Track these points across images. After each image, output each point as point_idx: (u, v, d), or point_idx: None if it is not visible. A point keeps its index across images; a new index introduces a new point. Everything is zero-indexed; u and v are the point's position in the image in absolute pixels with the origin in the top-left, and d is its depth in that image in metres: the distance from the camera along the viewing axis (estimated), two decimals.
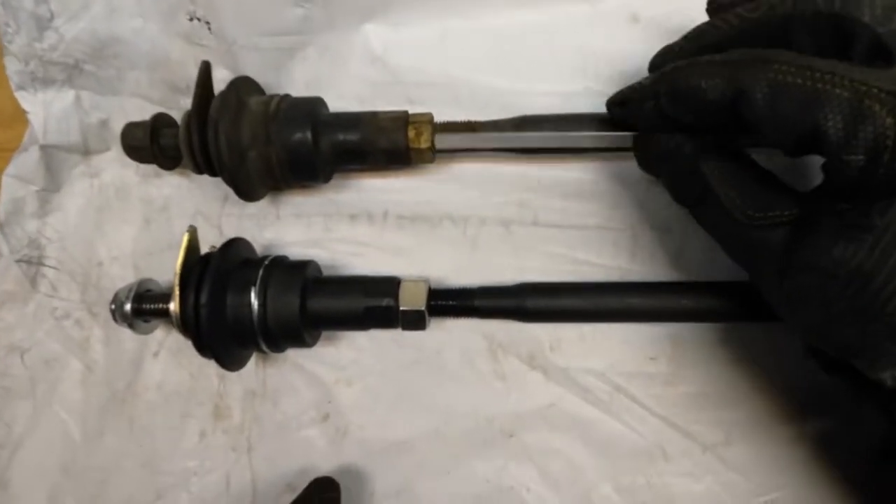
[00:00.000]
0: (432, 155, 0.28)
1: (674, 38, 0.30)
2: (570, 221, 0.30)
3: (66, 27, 0.26)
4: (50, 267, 0.31)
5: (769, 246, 0.20)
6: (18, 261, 0.30)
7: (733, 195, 0.21)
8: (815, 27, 0.20)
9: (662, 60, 0.25)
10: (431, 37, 0.30)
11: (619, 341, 0.29)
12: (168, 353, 0.30)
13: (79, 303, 0.31)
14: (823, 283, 0.19)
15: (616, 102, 0.25)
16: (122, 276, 0.31)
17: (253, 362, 0.30)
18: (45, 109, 0.28)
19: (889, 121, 0.17)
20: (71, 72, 0.28)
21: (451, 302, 0.27)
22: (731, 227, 0.21)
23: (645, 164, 0.26)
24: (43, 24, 0.26)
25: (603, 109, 0.28)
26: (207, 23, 0.27)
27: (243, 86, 0.27)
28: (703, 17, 0.31)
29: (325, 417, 0.29)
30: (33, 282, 0.30)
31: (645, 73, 0.30)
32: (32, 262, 0.30)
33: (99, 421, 0.30)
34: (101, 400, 0.30)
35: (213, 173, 0.28)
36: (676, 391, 0.29)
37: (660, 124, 0.23)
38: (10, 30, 0.26)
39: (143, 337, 0.30)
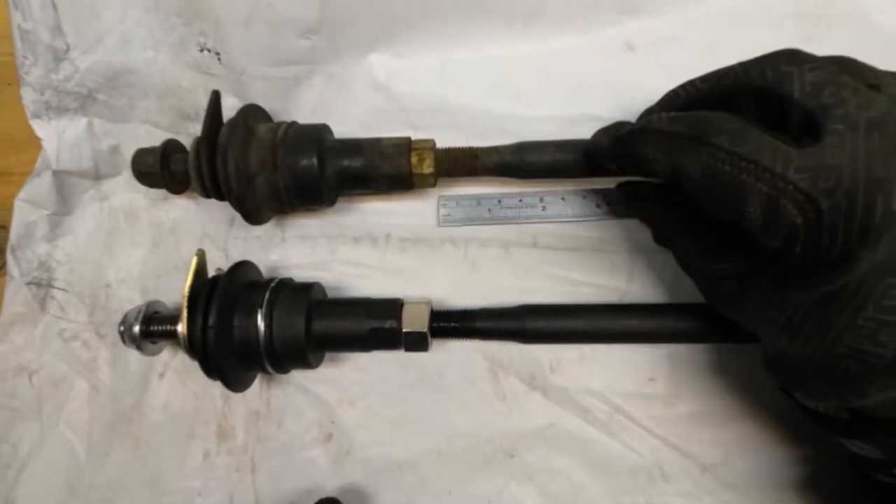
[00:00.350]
0: (434, 180, 0.29)
1: (667, 66, 0.31)
2: (568, 243, 0.31)
3: (80, 59, 0.27)
4: (59, 289, 0.31)
5: (724, 290, 0.23)
6: (29, 283, 0.31)
7: (692, 247, 0.24)
8: (757, 99, 0.21)
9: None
10: (433, 66, 0.31)
11: (619, 362, 0.30)
12: (174, 374, 0.31)
13: (86, 324, 0.31)
14: (763, 330, 0.22)
15: (587, 154, 0.28)
16: (130, 298, 0.31)
17: (257, 383, 0.30)
18: (59, 136, 0.29)
19: (799, 220, 0.18)
20: (84, 100, 0.29)
21: (452, 324, 0.27)
22: (694, 270, 0.24)
23: (624, 204, 0.29)
24: (59, 55, 0.27)
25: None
26: (217, 54, 0.28)
27: (252, 113, 0.28)
28: (694, 46, 0.32)
29: (329, 437, 0.30)
30: (42, 304, 0.31)
31: (639, 98, 0.31)
32: (42, 285, 0.31)
33: (104, 440, 0.30)
34: (107, 419, 0.30)
35: (220, 197, 0.28)
36: (675, 412, 0.29)
37: (626, 173, 0.26)
38: (27, 62, 0.27)
39: (149, 358, 0.31)
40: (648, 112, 0.26)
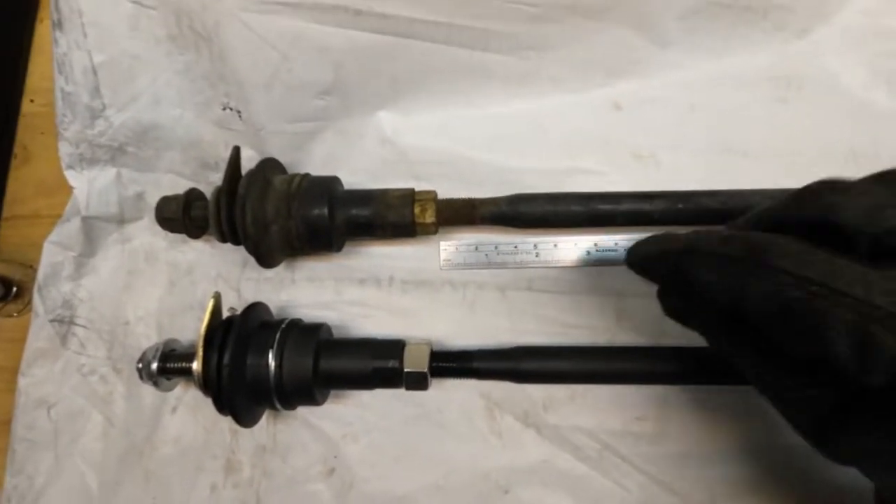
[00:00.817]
0: (435, 228, 0.31)
1: (650, 124, 0.34)
2: (560, 287, 0.33)
3: (114, 116, 0.30)
4: (80, 326, 0.33)
5: (812, 419, 0.20)
6: (52, 320, 0.32)
7: (766, 369, 0.20)
8: (809, 230, 0.19)
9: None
10: (436, 122, 0.34)
11: (608, 402, 0.31)
12: (185, 409, 0.32)
13: (104, 359, 0.33)
14: (872, 464, 0.19)
15: (636, 267, 0.25)
16: (147, 335, 0.33)
17: (264, 419, 0.32)
18: (89, 185, 0.32)
19: (887, 338, 0.15)
20: (115, 153, 0.31)
21: (451, 364, 0.29)
22: (765, 389, 0.21)
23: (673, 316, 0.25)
24: (95, 113, 0.29)
25: (588, 188, 0.32)
26: (238, 112, 0.31)
27: (269, 166, 0.30)
28: (676, 106, 0.35)
29: (332, 472, 0.31)
30: (64, 340, 0.33)
31: (627, 153, 0.34)
32: (65, 322, 0.33)
33: (116, 472, 0.31)
34: (120, 452, 0.32)
35: (236, 242, 0.30)
36: (662, 450, 0.31)
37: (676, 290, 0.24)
38: (66, 119, 0.29)
39: (162, 393, 0.32)
40: (693, 241, 0.22)
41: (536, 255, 0.33)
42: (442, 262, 0.33)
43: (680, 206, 0.30)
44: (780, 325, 0.18)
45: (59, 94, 0.29)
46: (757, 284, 0.18)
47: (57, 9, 0.27)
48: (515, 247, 0.33)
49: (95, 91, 0.29)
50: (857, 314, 0.16)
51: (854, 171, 0.34)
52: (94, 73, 0.28)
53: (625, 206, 0.31)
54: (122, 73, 0.29)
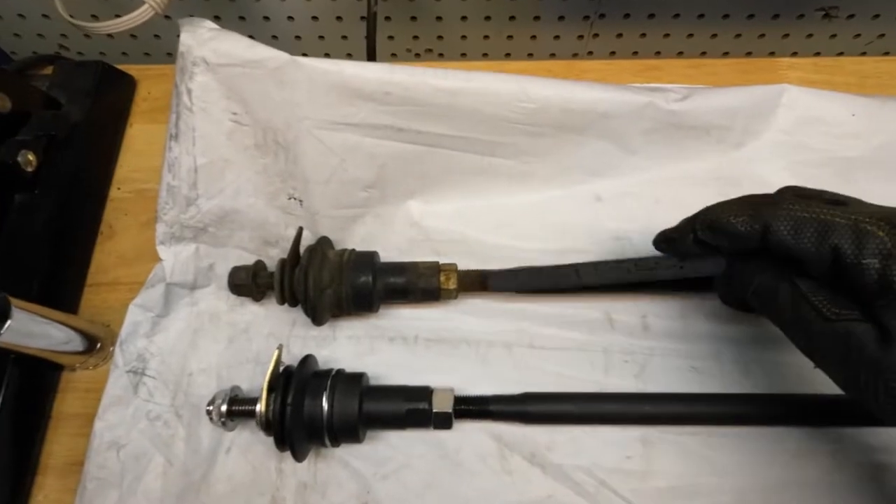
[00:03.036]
0: (456, 294, 0.38)
1: (625, 212, 0.43)
2: (556, 345, 0.39)
3: (205, 204, 0.37)
4: (150, 376, 0.38)
5: (857, 334, 0.23)
6: (128, 371, 0.38)
7: (820, 299, 0.25)
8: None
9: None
10: (454, 210, 0.42)
11: (602, 442, 0.36)
12: (237, 450, 0.37)
13: (169, 406, 0.38)
14: None
15: (662, 241, 0.33)
16: (207, 385, 0.38)
17: (307, 459, 0.36)
18: (175, 258, 0.38)
19: (881, 233, 0.23)
20: (198, 232, 0.38)
21: (471, 407, 0.35)
22: (822, 326, 0.25)
23: (733, 297, 0.33)
24: (190, 201, 0.37)
25: (580, 259, 0.40)
26: (300, 201, 0.39)
27: (325, 242, 0.38)
28: (645, 199, 0.43)
29: None
30: (136, 388, 0.38)
31: (608, 235, 0.42)
32: (137, 373, 0.38)
33: None
34: (178, 490, 0.36)
35: (293, 304, 0.37)
36: (650, 485, 0.35)
37: (700, 252, 0.31)
38: (167, 206, 0.37)
39: (217, 436, 0.37)
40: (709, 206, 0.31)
41: (578, 277, 0.37)
42: (491, 284, 0.38)
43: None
44: (797, 237, 0.24)
45: (164, 187, 0.37)
46: (780, 215, 0.25)
47: (176, 125, 0.35)
48: (557, 268, 0.37)
49: (193, 185, 0.36)
50: (849, 219, 0.23)
51: None
52: (196, 171, 0.36)
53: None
54: (216, 171, 0.37)
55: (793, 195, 0.28)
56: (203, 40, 0.34)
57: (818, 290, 0.26)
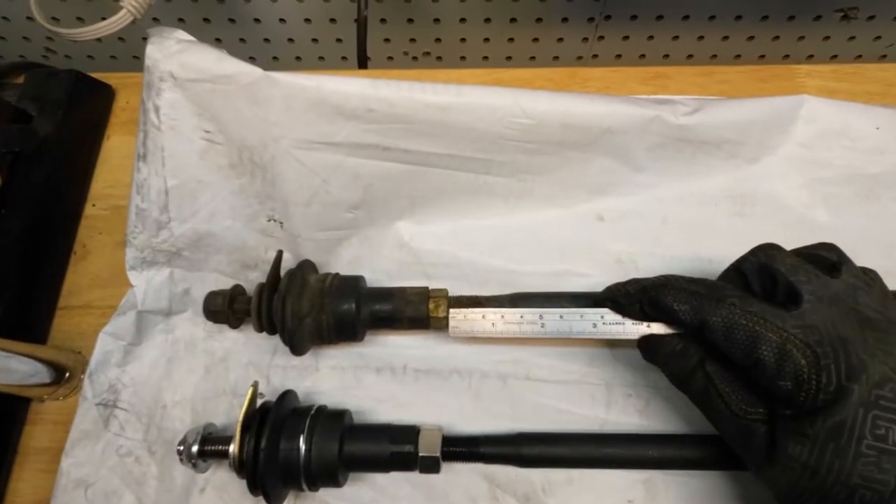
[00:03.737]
0: (447, 322, 0.36)
1: (629, 233, 0.40)
2: (555, 377, 0.36)
3: (177, 227, 0.35)
4: (122, 409, 0.36)
5: (757, 435, 0.26)
6: (98, 404, 0.36)
7: (730, 391, 0.27)
8: (758, 273, 0.28)
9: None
10: (446, 230, 0.39)
11: (601, 484, 0.34)
12: (212, 489, 0.35)
13: (141, 441, 0.36)
14: (783, 471, 0.25)
15: (607, 299, 0.32)
16: (181, 418, 0.36)
17: (287, 500, 0.34)
18: (147, 284, 0.36)
19: (802, 361, 0.24)
20: (171, 256, 0.36)
21: (461, 449, 0.32)
22: (728, 417, 0.27)
23: (650, 358, 0.32)
24: (161, 225, 0.35)
25: (577, 288, 0.37)
26: (281, 223, 0.36)
27: (306, 267, 0.36)
28: (650, 218, 0.41)
29: None
30: (106, 422, 0.36)
31: (610, 258, 0.39)
32: (108, 405, 0.36)
33: None
34: None
35: (272, 332, 0.35)
36: None
37: (644, 318, 0.31)
38: (136, 230, 0.34)
39: (191, 474, 0.35)
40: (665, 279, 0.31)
41: (542, 326, 0.33)
42: (451, 330, 0.34)
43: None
44: (728, 340, 0.26)
45: (133, 210, 0.34)
46: (718, 312, 0.26)
47: (144, 145, 0.33)
48: (521, 316, 0.33)
49: (164, 208, 0.34)
50: (780, 336, 0.25)
51: None
52: (166, 193, 0.34)
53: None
54: (188, 193, 0.34)
55: (748, 281, 0.29)
56: (170, 53, 0.31)
57: (731, 383, 0.28)
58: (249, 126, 0.32)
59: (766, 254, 0.28)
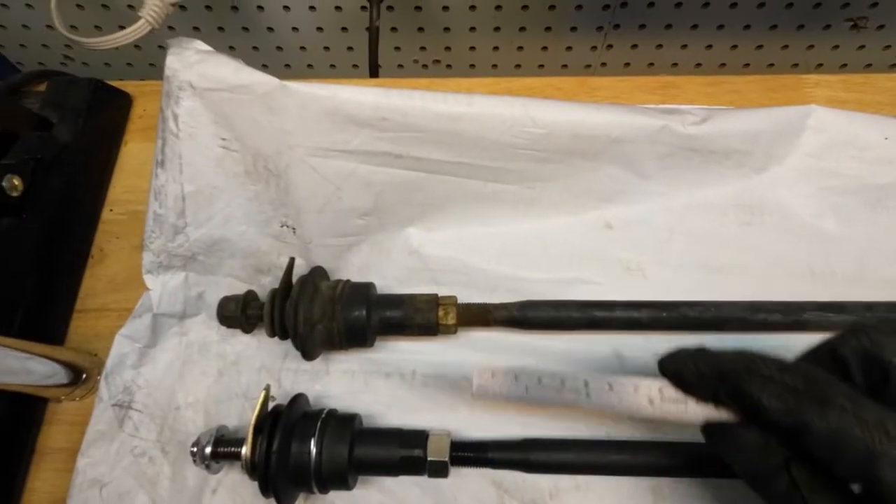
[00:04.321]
0: (455, 329, 0.36)
1: (637, 241, 0.40)
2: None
3: (193, 232, 0.36)
4: (136, 410, 0.37)
5: None
6: (113, 405, 0.36)
7: (816, 497, 0.21)
8: (861, 362, 0.23)
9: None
10: (455, 237, 0.40)
11: (609, 491, 0.34)
12: (224, 490, 0.35)
13: (155, 442, 0.36)
14: None
15: (669, 372, 0.26)
16: (194, 420, 0.37)
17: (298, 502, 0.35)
18: (162, 287, 0.37)
19: None
20: (187, 261, 0.37)
21: (469, 454, 0.33)
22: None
23: (719, 448, 0.25)
24: (178, 230, 0.35)
25: (586, 296, 0.37)
26: (293, 228, 0.37)
27: (317, 274, 0.36)
28: (658, 227, 0.41)
29: None
30: (121, 423, 0.36)
31: (618, 266, 0.40)
32: (123, 406, 0.37)
33: None
34: None
35: (283, 337, 0.35)
36: None
37: (713, 401, 0.25)
38: (153, 235, 0.35)
39: (204, 475, 0.35)
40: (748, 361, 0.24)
41: (587, 396, 0.28)
42: (475, 388, 0.29)
43: (664, 314, 0.36)
44: (835, 451, 0.20)
45: (151, 216, 0.35)
46: (822, 417, 0.21)
47: (162, 152, 0.34)
48: (562, 382, 0.28)
49: (181, 213, 0.35)
50: None
51: (812, 286, 0.40)
52: (183, 199, 0.34)
53: (618, 313, 0.36)
54: (204, 199, 0.35)
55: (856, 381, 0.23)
56: (189, 63, 0.32)
57: (824, 493, 0.22)
58: (265, 134, 0.33)
59: (870, 339, 0.23)
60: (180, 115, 0.33)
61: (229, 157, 0.34)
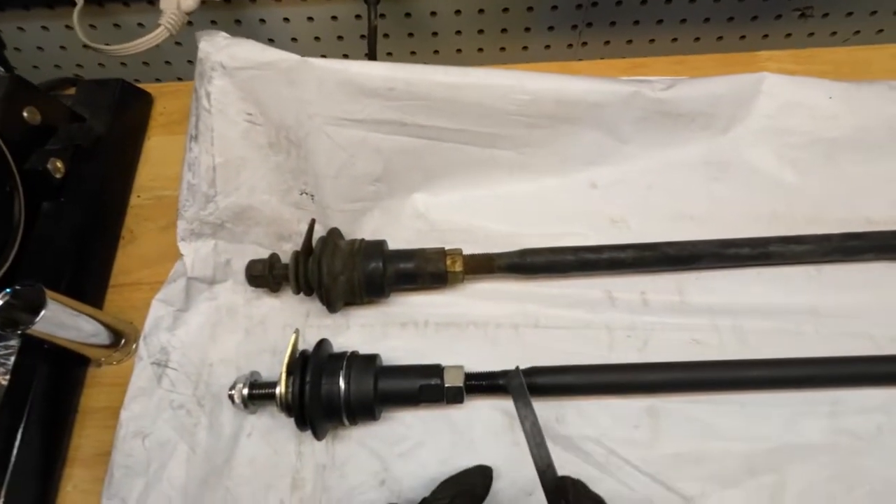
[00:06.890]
0: (462, 277, 0.40)
1: (618, 198, 0.45)
2: (561, 323, 0.41)
3: (222, 201, 0.40)
4: (172, 368, 0.40)
5: None
6: (152, 363, 0.40)
7: None
8: None
9: None
10: (459, 200, 0.44)
11: (609, 413, 0.38)
12: (258, 434, 0.38)
13: (191, 396, 0.39)
14: None
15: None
16: (226, 374, 0.40)
17: (325, 441, 0.38)
18: (195, 254, 0.41)
19: None
20: (216, 228, 0.41)
21: (482, 382, 0.36)
22: None
23: None
24: (209, 199, 0.39)
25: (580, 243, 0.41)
26: (312, 195, 0.41)
27: (335, 234, 0.40)
28: (637, 185, 0.46)
29: (382, 483, 0.37)
30: (159, 379, 0.39)
31: (605, 220, 0.44)
32: (161, 364, 0.40)
33: (198, 494, 0.36)
34: (202, 475, 0.37)
35: (308, 293, 0.39)
36: (657, 453, 0.37)
37: None
38: (188, 203, 0.39)
39: (239, 423, 0.38)
40: None
41: None
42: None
43: (647, 253, 0.40)
44: None
45: (185, 186, 0.39)
46: None
47: (196, 127, 0.38)
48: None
49: (212, 183, 0.39)
50: None
51: (776, 228, 0.44)
52: (214, 170, 0.38)
53: (606, 255, 0.40)
54: (232, 170, 0.39)
55: None
56: (220, 47, 0.37)
57: None
58: (286, 106, 0.37)
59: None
60: (212, 92, 0.37)
61: (254, 130, 0.38)
